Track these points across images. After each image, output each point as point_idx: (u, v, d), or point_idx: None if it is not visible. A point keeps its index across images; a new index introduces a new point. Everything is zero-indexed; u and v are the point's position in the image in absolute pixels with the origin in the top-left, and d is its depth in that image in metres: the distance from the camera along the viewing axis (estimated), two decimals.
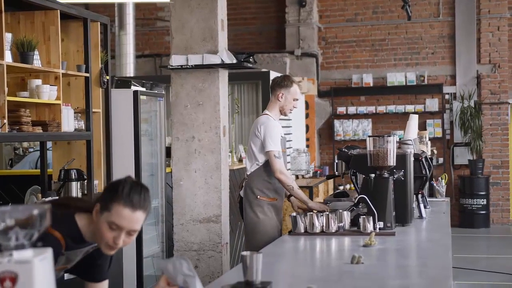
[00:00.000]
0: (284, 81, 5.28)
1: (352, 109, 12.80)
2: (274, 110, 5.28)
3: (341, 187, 12.16)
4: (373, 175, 4.39)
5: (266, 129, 5.10)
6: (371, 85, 12.77)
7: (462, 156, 12.49)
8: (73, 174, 5.32)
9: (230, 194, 6.25)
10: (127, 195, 2.55)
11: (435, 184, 6.37)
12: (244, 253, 2.72)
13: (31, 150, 8.66)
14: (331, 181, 11.04)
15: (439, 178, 6.49)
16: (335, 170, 5.21)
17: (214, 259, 5.77)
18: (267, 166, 5.15)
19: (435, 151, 9.83)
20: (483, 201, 12.15)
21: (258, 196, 5.17)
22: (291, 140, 10.39)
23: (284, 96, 5.24)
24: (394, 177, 4.43)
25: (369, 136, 4.45)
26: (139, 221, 2.57)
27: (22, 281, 1.70)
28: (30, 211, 1.74)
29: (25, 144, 8.54)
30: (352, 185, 11.84)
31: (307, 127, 12.38)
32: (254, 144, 5.20)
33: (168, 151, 6.36)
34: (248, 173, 5.28)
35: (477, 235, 11.69)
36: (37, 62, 4.88)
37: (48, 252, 1.77)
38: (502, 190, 12.51)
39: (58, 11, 5.11)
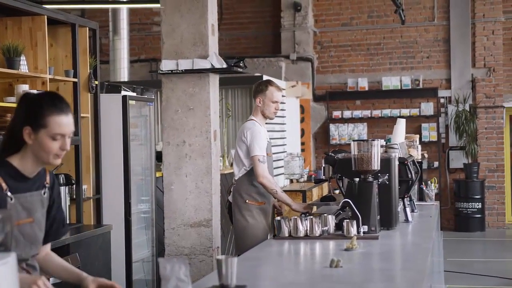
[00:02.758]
0: (260, 86, 5.42)
1: (347, 113, 12.82)
2: (258, 115, 5.40)
3: (337, 191, 12.16)
4: (357, 179, 4.40)
5: (252, 134, 5.21)
6: (367, 89, 12.80)
7: (457, 160, 12.50)
8: (61, 178, 5.33)
9: (221, 198, 6.26)
10: (54, 105, 2.65)
11: (424, 188, 6.37)
12: (219, 257, 2.74)
13: None
14: (325, 185, 11.04)
15: (429, 182, 6.49)
16: (323, 174, 5.24)
17: (205, 263, 5.78)
18: None
19: (426, 155, 9.84)
20: (478, 205, 12.16)
21: (247, 201, 5.27)
22: (285, 145, 10.42)
23: (262, 101, 5.36)
24: (378, 181, 4.45)
25: (353, 140, 4.47)
26: (73, 123, 2.70)
27: None
28: None
29: None
30: None
31: (303, 131, 12.41)
32: (240, 149, 5.30)
33: (159, 156, 6.39)
34: (236, 178, 5.37)
35: (472, 238, 11.70)
36: (24, 67, 4.90)
37: (12, 257, 1.79)
38: (497, 194, 12.52)
39: (45, 16, 5.13)
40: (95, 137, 5.90)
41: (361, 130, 12.78)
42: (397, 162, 4.69)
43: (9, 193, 2.63)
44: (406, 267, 3.33)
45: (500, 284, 8.09)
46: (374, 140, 4.41)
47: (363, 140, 4.44)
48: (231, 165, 8.03)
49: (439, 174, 12.33)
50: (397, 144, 5.13)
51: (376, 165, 4.39)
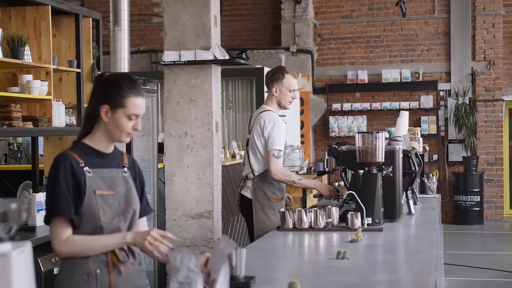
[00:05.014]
0: (275, 74, 5.15)
1: (347, 106, 12.82)
2: (273, 104, 5.16)
3: (336, 184, 12.17)
4: (361, 171, 4.40)
5: (274, 127, 4.97)
6: (366, 81, 12.80)
7: (457, 153, 12.52)
8: None
9: (223, 190, 6.26)
10: (133, 87, 2.83)
11: (426, 181, 6.38)
12: None
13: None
14: (325, 177, 11.06)
15: (430, 175, 6.50)
16: (326, 166, 5.21)
17: None
18: None
19: (427, 148, 9.84)
20: (477, 198, 12.18)
21: (271, 199, 5.05)
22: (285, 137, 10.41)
23: (278, 90, 5.11)
24: (382, 173, 4.45)
25: (358, 133, 4.46)
26: (145, 105, 2.88)
27: (0, 274, 1.72)
28: (8, 205, 1.76)
29: (20, 139, 8.54)
30: None
31: (302, 123, 12.41)
32: (260, 143, 5.04)
33: (161, 147, 6.38)
34: (255, 173, 5.11)
35: (471, 231, 11.73)
36: (28, 57, 4.89)
37: (27, 246, 1.79)
38: (496, 187, 12.55)
39: (49, 6, 5.12)
40: None
41: (361, 123, 12.79)
42: (401, 155, 4.69)
43: (86, 168, 2.79)
44: (412, 259, 3.34)
45: (499, 277, 8.12)
46: (378, 133, 4.42)
47: (367, 132, 4.43)
48: (232, 156, 8.04)
49: (438, 167, 12.35)
50: (400, 137, 5.13)
51: (380, 157, 4.39)
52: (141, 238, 2.73)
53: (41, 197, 5.01)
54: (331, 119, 12.86)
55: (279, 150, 4.94)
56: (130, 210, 2.89)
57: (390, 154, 4.55)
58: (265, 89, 9.79)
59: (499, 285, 7.80)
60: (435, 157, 12.49)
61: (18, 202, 1.75)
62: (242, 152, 8.29)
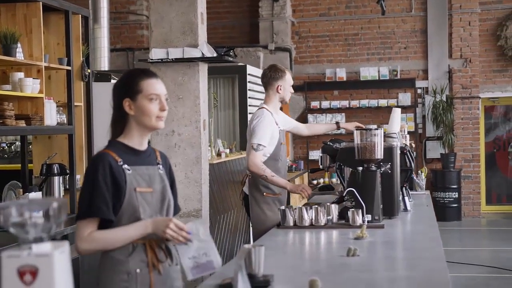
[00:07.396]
0: (277, 73, 5.24)
1: (325, 104, 12.85)
2: (272, 103, 5.23)
3: (315, 181, 12.20)
4: (360, 168, 4.39)
5: (259, 122, 5.06)
6: (345, 79, 12.83)
7: (434, 150, 12.62)
8: (56, 168, 5.24)
9: (210, 188, 6.23)
10: (142, 72, 2.87)
11: (415, 178, 6.41)
12: (247, 246, 2.72)
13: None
14: (306, 175, 11.08)
15: (419, 172, 6.53)
16: (320, 164, 5.18)
17: None
18: (270, 161, 5.07)
19: (413, 144, 9.90)
20: (454, 195, 12.29)
21: (264, 193, 5.12)
22: None
23: (282, 87, 5.24)
24: (381, 170, 4.45)
25: (356, 129, 4.46)
26: (164, 86, 2.89)
27: (42, 274, 1.68)
28: (49, 204, 1.71)
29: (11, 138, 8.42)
30: (328, 179, 11.80)
31: None
32: (249, 139, 5.14)
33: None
34: (251, 170, 5.12)
35: (449, 228, 11.82)
36: (19, 55, 4.80)
37: (66, 246, 1.75)
38: (473, 184, 12.67)
39: (41, 3, 5.02)
40: (88, 126, 5.81)
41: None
42: (398, 151, 4.70)
43: (125, 165, 2.79)
44: (424, 256, 3.33)
45: (479, 272, 8.20)
46: (377, 129, 4.41)
47: (366, 129, 4.42)
48: (218, 155, 8.00)
49: (416, 164, 12.42)
50: (395, 133, 5.14)
51: (379, 154, 4.39)
52: (161, 230, 2.72)
53: (34, 197, 4.93)
54: (310, 117, 12.87)
55: (259, 144, 5.01)
56: (164, 207, 2.88)
57: (388, 151, 4.55)
58: (249, 86, 9.78)
59: (487, 280, 7.89)
60: (413, 154, 12.56)
61: (59, 201, 1.71)
62: (228, 150, 8.26)
